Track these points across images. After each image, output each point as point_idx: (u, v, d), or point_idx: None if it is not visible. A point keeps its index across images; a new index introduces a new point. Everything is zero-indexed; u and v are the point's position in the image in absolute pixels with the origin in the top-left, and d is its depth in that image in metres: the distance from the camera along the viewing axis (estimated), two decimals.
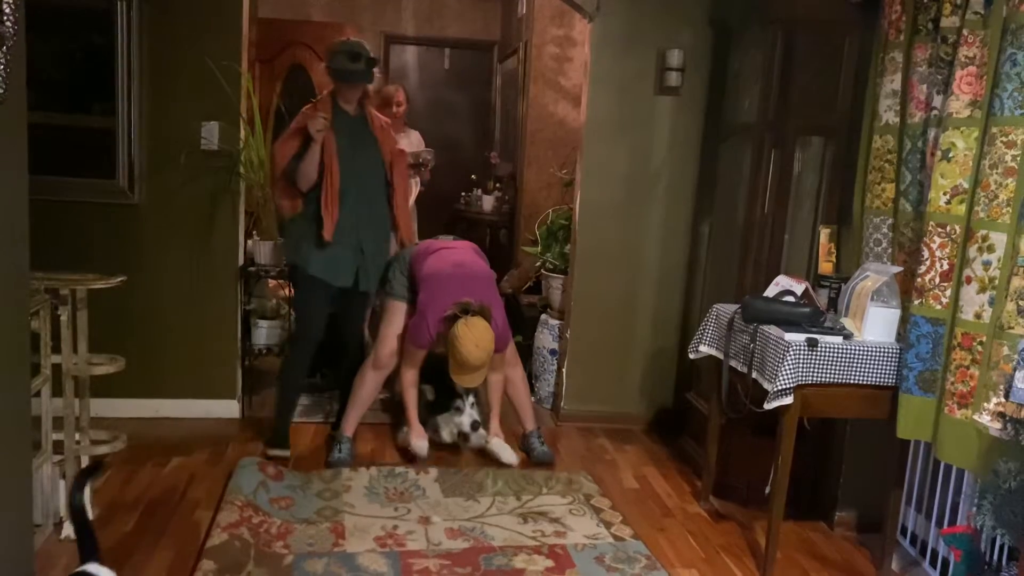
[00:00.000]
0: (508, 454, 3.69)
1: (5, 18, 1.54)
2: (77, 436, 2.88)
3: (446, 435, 3.78)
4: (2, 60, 1.54)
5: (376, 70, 3.62)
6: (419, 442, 3.62)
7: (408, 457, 3.68)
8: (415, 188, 4.91)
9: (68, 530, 2.79)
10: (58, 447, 2.82)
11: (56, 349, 2.77)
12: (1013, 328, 2.27)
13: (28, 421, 2.00)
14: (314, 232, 3.49)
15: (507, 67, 7.15)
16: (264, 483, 3.18)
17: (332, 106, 3.53)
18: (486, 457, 3.74)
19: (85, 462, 2.90)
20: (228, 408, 4.05)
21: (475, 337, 3.33)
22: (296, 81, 6.02)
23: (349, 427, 3.71)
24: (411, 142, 5.01)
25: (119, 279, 2.89)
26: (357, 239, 3.58)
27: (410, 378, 3.69)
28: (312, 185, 3.48)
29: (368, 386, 3.71)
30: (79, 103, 3.81)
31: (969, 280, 2.43)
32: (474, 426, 3.70)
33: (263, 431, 3.82)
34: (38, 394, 2.69)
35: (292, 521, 2.99)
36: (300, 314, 3.73)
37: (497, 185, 6.93)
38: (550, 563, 2.82)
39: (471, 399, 3.74)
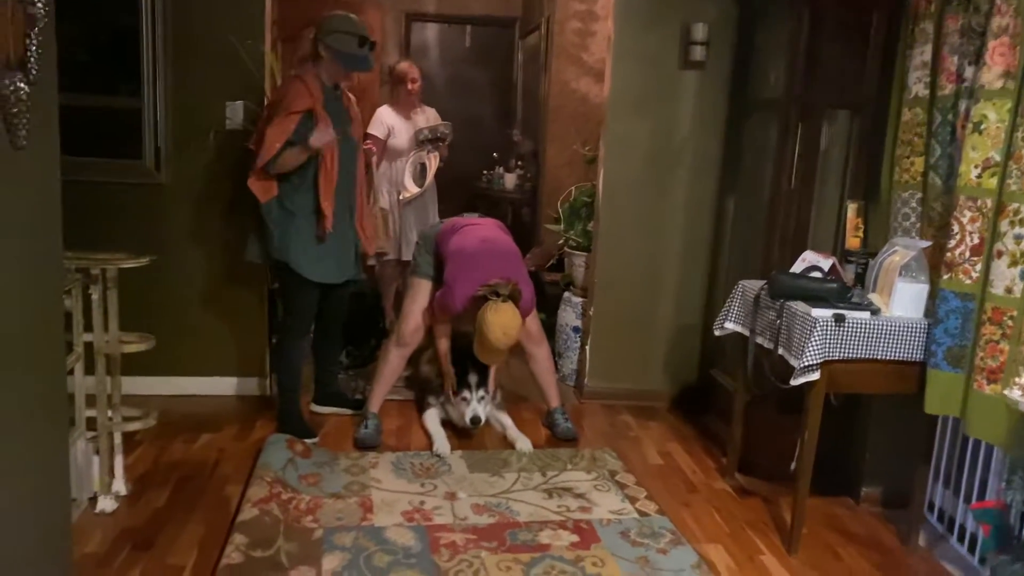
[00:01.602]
0: (522, 442, 3.63)
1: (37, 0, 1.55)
2: (109, 413, 2.93)
3: (455, 417, 3.76)
4: (34, 41, 1.55)
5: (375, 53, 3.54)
6: (442, 446, 3.55)
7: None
8: (434, 163, 4.89)
9: (103, 504, 2.85)
10: (91, 424, 2.87)
11: (88, 328, 2.81)
12: None
13: (65, 398, 2.03)
14: (302, 228, 3.37)
15: (529, 43, 7.10)
16: (293, 460, 3.22)
17: (321, 86, 3.37)
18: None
19: (118, 439, 2.95)
20: (255, 386, 4.10)
21: (503, 323, 3.31)
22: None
23: (375, 404, 3.75)
24: (428, 119, 5.00)
25: (148, 259, 2.91)
26: (346, 229, 3.52)
27: (444, 347, 3.70)
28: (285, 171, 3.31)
29: (392, 363, 3.74)
30: (106, 85, 3.83)
31: (1000, 254, 2.40)
32: (474, 421, 3.64)
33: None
34: (71, 372, 2.74)
35: (321, 496, 3.03)
36: (293, 310, 3.56)
37: (519, 163, 6.91)
38: (575, 538, 2.85)
39: (480, 392, 3.69)
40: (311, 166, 3.33)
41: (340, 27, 3.36)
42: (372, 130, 4.83)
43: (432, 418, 3.76)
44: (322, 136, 3.25)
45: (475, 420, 3.64)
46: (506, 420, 3.80)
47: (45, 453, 1.87)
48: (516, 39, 7.63)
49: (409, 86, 4.91)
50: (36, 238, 1.78)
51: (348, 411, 3.88)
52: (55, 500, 1.95)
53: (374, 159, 4.71)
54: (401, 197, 4.89)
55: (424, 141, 4.80)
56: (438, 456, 3.47)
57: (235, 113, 3.84)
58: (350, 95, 3.64)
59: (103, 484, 2.88)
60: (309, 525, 2.82)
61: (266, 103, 3.55)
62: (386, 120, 4.91)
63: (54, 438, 1.93)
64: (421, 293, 3.68)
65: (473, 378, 3.68)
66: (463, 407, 3.68)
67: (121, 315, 2.94)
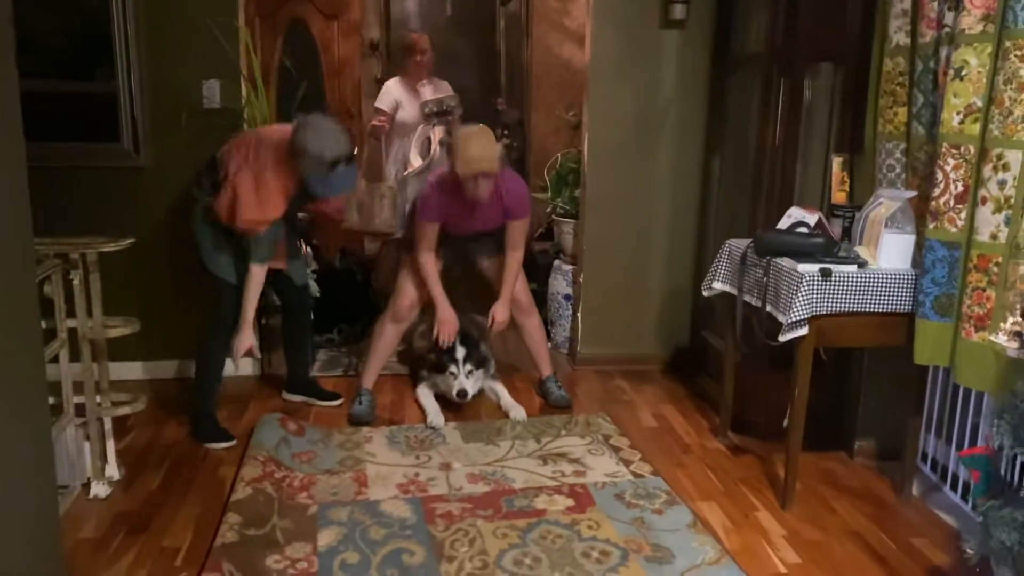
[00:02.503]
0: (516, 411, 3.63)
1: None
2: (98, 398, 2.92)
3: (445, 389, 3.71)
4: None
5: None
6: (436, 418, 3.54)
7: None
8: (439, 137, 4.65)
9: (96, 489, 2.85)
10: (80, 410, 2.86)
11: (71, 314, 2.79)
12: None
13: (44, 384, 2.02)
14: (230, 241, 3.25)
15: (510, 10, 7.01)
16: (285, 439, 3.22)
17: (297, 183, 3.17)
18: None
19: (108, 424, 2.94)
20: (246, 366, 4.08)
21: (477, 134, 3.35)
22: (297, 36, 5.93)
23: (369, 380, 3.74)
24: (435, 92, 4.77)
25: (129, 241, 2.89)
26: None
27: (430, 262, 3.58)
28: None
29: (387, 338, 3.73)
30: (81, 69, 3.79)
31: (984, 200, 2.39)
32: (460, 395, 3.60)
33: (281, 386, 3.86)
34: (56, 359, 2.73)
35: (315, 473, 3.03)
36: (222, 313, 3.35)
37: (505, 132, 6.84)
38: (571, 502, 2.85)
39: (467, 366, 3.65)
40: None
41: (311, 149, 3.04)
42: (379, 103, 4.70)
43: (425, 391, 3.76)
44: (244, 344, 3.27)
45: (462, 393, 3.61)
46: (500, 390, 3.80)
47: (26, 441, 1.85)
48: (497, 6, 7.52)
49: (418, 57, 4.70)
50: (3, 224, 1.75)
51: (318, 401, 3.76)
52: (40, 488, 1.94)
53: (383, 135, 4.59)
54: (406, 172, 4.61)
55: (431, 115, 4.51)
56: (432, 428, 3.47)
57: (212, 92, 3.80)
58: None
59: (95, 470, 2.87)
60: (304, 502, 2.82)
61: (240, 158, 3.20)
62: (393, 93, 4.74)
63: (35, 426, 1.91)
64: (413, 268, 3.64)
65: (460, 352, 3.66)
66: (450, 380, 3.65)
67: (105, 299, 2.92)
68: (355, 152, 3.19)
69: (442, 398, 3.73)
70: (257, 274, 3.24)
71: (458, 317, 3.71)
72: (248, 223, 3.12)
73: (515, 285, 3.71)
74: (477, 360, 3.70)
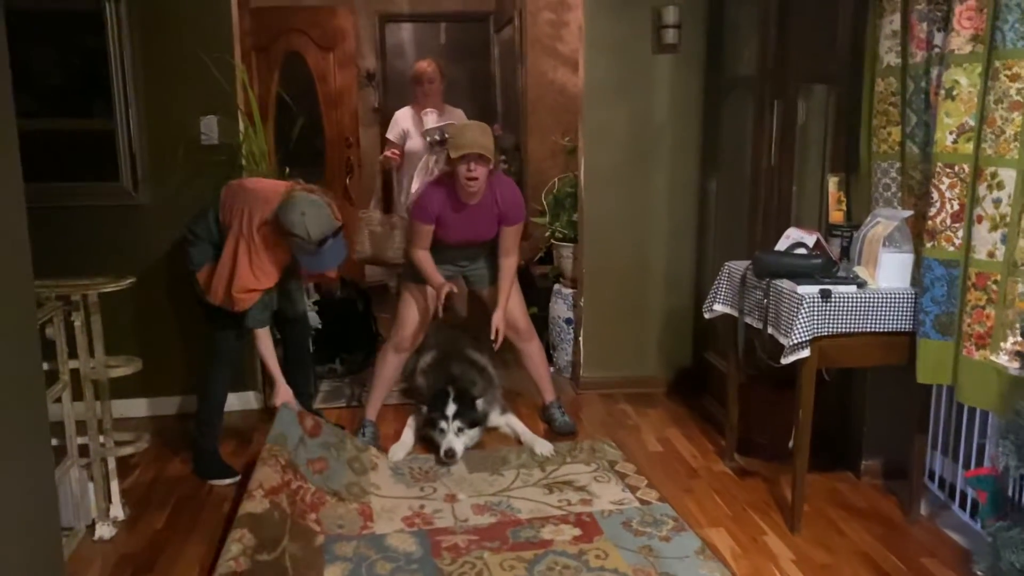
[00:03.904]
0: (541, 446, 3.53)
1: None
2: (101, 438, 2.91)
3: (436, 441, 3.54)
4: None
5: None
6: (398, 451, 3.49)
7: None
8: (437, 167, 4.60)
9: (101, 531, 2.84)
10: (84, 451, 2.86)
11: (73, 354, 2.79)
12: None
13: (47, 427, 2.01)
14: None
15: (504, 37, 7.07)
16: (303, 440, 3.14)
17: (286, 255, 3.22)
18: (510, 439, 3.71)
19: (112, 464, 2.94)
20: (249, 400, 4.09)
21: (473, 124, 3.42)
22: (293, 69, 5.98)
23: (372, 411, 3.73)
24: (437, 121, 4.54)
25: (129, 281, 2.90)
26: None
27: (426, 255, 3.51)
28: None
29: (389, 368, 3.72)
30: (79, 107, 3.82)
31: (980, 219, 2.39)
32: (448, 454, 3.38)
33: None
34: (59, 400, 2.73)
35: (324, 491, 3.00)
36: (224, 346, 3.36)
37: (502, 157, 6.85)
38: (577, 531, 2.84)
39: (456, 424, 3.46)
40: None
41: (298, 231, 3.06)
42: (389, 133, 4.66)
43: (411, 424, 3.67)
44: (282, 397, 3.28)
45: (449, 453, 3.39)
46: (516, 424, 3.73)
47: (30, 484, 1.85)
48: (491, 34, 7.59)
49: (425, 86, 4.57)
50: (4, 268, 1.76)
51: None
52: (44, 532, 1.93)
53: (394, 167, 4.54)
54: (408, 201, 4.45)
55: (433, 143, 4.41)
56: (388, 458, 3.41)
57: (209, 128, 3.82)
58: None
59: (100, 511, 2.86)
60: (311, 525, 2.79)
61: (234, 222, 3.19)
62: (401, 123, 4.65)
63: (39, 469, 1.91)
64: (415, 297, 3.63)
65: (451, 408, 3.47)
66: (439, 438, 3.47)
67: (107, 339, 2.92)
68: (341, 227, 3.19)
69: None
70: (261, 335, 3.26)
71: (458, 365, 3.70)
72: (240, 292, 3.12)
73: (511, 292, 3.63)
74: (470, 419, 3.51)
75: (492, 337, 3.53)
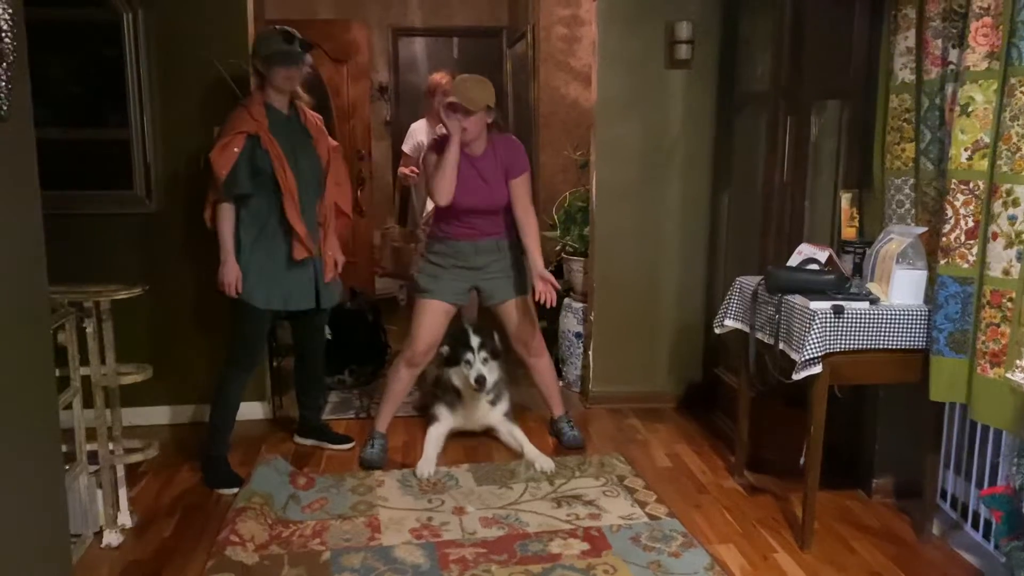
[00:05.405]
0: (543, 462, 3.50)
1: (4, 35, 1.54)
2: (111, 446, 2.91)
3: (459, 383, 3.68)
4: (3, 77, 1.54)
5: (308, 64, 3.46)
6: (425, 466, 3.46)
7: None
8: None
9: (109, 538, 2.84)
10: (93, 458, 2.86)
11: (84, 361, 2.80)
12: None
13: (58, 434, 2.02)
14: (254, 256, 3.27)
15: (516, 51, 7.10)
16: (295, 496, 3.16)
17: (264, 107, 3.28)
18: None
19: (121, 471, 2.94)
20: (259, 409, 4.09)
21: (477, 77, 3.51)
22: (307, 80, 6.00)
23: (382, 423, 3.72)
24: None
25: (141, 288, 2.91)
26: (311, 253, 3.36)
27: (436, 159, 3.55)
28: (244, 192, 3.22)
29: (402, 382, 3.70)
30: (95, 116, 3.85)
31: (995, 236, 2.38)
32: (478, 381, 3.55)
33: (293, 430, 3.85)
34: (70, 407, 2.73)
35: (327, 519, 3.01)
36: (241, 341, 3.38)
37: None
38: (586, 546, 2.82)
39: (482, 354, 3.61)
40: (267, 186, 3.23)
41: (265, 35, 3.38)
42: (404, 146, 4.68)
43: (432, 437, 3.67)
44: (226, 273, 3.24)
45: (480, 380, 3.55)
46: (521, 437, 3.71)
47: (40, 491, 1.85)
48: (504, 48, 7.63)
49: (439, 98, 4.50)
50: (20, 275, 1.77)
51: (330, 445, 3.74)
52: (53, 538, 1.93)
53: (412, 184, 4.48)
54: (423, 215, 4.51)
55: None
56: (416, 475, 3.40)
57: None
58: (309, 112, 3.50)
59: (108, 518, 2.86)
60: (316, 548, 2.80)
61: (215, 134, 3.35)
62: (416, 135, 4.67)
63: (48, 475, 1.91)
64: (427, 312, 3.59)
65: (475, 340, 3.62)
66: (466, 370, 3.60)
67: (118, 346, 2.93)
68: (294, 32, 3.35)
69: (458, 435, 3.68)
70: (225, 209, 3.25)
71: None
72: (216, 153, 3.18)
73: (538, 244, 3.60)
74: (492, 350, 3.66)
75: (537, 299, 3.51)
